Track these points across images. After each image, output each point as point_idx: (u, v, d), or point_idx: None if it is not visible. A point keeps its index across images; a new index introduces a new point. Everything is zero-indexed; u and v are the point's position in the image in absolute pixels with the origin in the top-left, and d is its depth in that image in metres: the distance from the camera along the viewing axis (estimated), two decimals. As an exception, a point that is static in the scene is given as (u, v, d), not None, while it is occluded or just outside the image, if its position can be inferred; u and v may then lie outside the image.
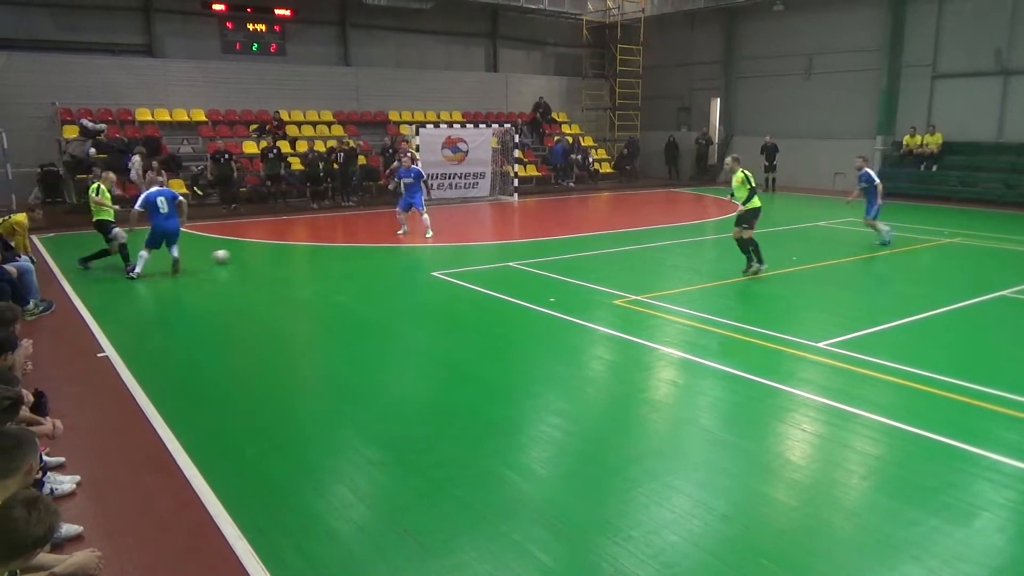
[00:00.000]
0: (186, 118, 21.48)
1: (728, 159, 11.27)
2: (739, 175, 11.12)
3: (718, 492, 4.82)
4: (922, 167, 22.02)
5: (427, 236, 14.61)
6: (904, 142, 22.64)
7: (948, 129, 21.86)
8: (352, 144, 21.06)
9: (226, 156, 19.39)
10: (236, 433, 5.76)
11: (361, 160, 21.32)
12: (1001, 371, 7.09)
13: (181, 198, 11.52)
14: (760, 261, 11.18)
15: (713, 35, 27.93)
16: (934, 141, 21.95)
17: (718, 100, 28.41)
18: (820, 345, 7.77)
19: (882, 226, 13.86)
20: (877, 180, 13.92)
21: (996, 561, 4.10)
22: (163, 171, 16.49)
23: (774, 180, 24.09)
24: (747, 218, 11.15)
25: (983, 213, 18.74)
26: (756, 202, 11.14)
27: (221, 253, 12.07)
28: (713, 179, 27.62)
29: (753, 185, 11.14)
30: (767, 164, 24.13)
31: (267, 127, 21.68)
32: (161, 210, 11.14)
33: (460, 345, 8.22)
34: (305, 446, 5.52)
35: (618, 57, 28.57)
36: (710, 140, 28.20)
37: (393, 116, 24.76)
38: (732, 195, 11.38)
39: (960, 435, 5.59)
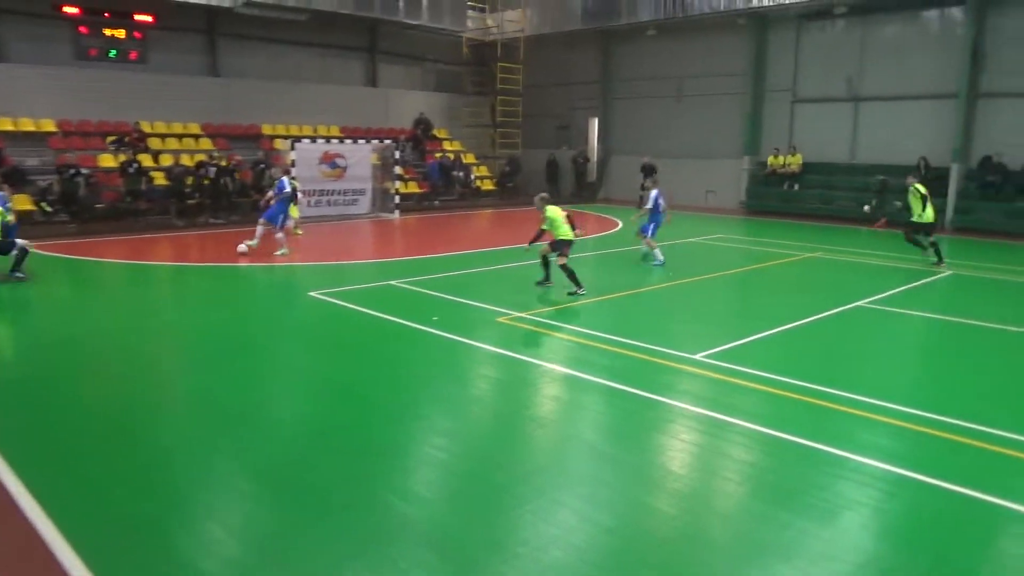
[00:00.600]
0: (34, 128, 19.98)
1: (536, 199, 11.72)
2: (548, 212, 11.45)
3: (602, 505, 4.93)
4: (785, 186, 23.64)
5: (277, 254, 14.16)
6: (768, 162, 24.25)
7: (807, 150, 23.63)
8: (223, 161, 20.22)
9: (72, 171, 18.12)
10: (93, 471, 5.35)
11: (238, 175, 20.58)
12: (861, 377, 7.67)
13: None
14: (578, 284, 11.24)
15: (591, 56, 28.92)
16: (795, 161, 23.66)
17: (596, 120, 29.39)
18: (696, 357, 8.12)
19: (657, 251, 14.19)
20: (658, 200, 14.52)
21: (860, 558, 4.40)
22: (5, 185, 15.24)
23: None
24: (559, 247, 11.45)
25: (839, 229, 20.29)
26: (568, 234, 11.44)
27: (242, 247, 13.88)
28: (592, 196, 28.49)
29: (562, 227, 11.40)
30: (645, 180, 25.04)
31: (126, 139, 20.50)
32: None
33: (341, 365, 8.04)
34: (173, 480, 5.20)
35: (498, 75, 29.04)
36: (587, 158, 29.10)
37: (267, 129, 24.03)
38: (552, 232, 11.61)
39: (825, 439, 5.99)
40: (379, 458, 5.60)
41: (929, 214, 14.19)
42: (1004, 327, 9.70)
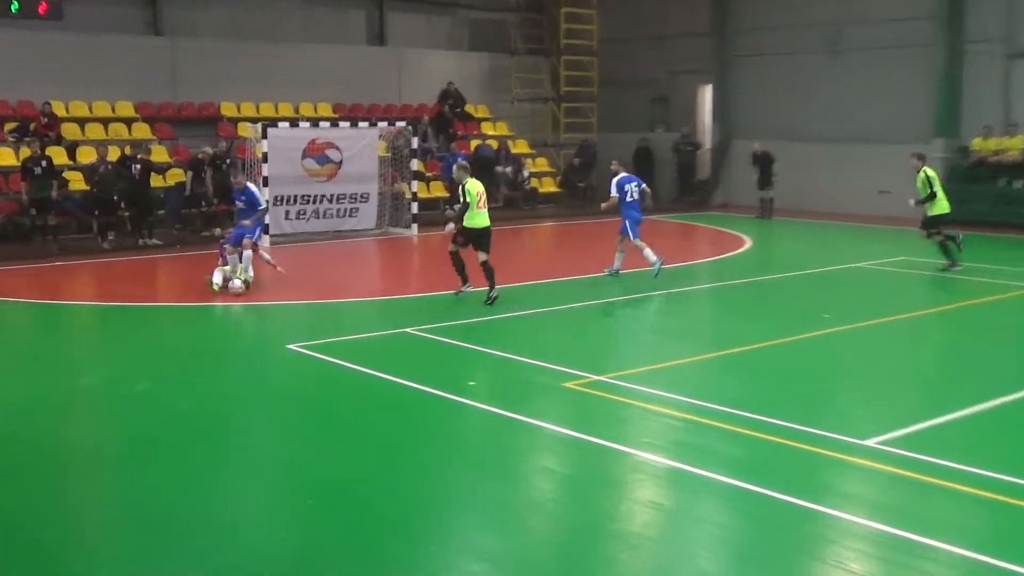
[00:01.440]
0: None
1: (455, 167, 14.41)
2: (468, 186, 13.63)
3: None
4: (1000, 182, 23.09)
5: (239, 279, 14.13)
6: (974, 147, 23.81)
7: (1035, 129, 23.08)
8: (142, 155, 20.65)
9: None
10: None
11: (174, 176, 21.05)
12: None
13: None
14: (464, 279, 13.99)
15: (699, -5, 29.01)
16: (1015, 146, 23.14)
17: (709, 89, 29.28)
18: (868, 443, 7.89)
19: (649, 251, 15.56)
20: (630, 187, 15.77)
21: None
22: None
23: (771, 201, 24.86)
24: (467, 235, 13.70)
25: None
26: (482, 221, 13.79)
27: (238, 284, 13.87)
28: (704, 201, 28.28)
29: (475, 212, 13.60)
30: (761, 178, 25.07)
31: (32, 127, 21.18)
32: None
33: (335, 454, 8.00)
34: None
35: (563, 25, 29.26)
36: (697, 145, 28.94)
37: (228, 110, 24.62)
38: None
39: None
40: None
41: None
42: None
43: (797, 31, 27.03)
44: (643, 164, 28.85)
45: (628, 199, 15.79)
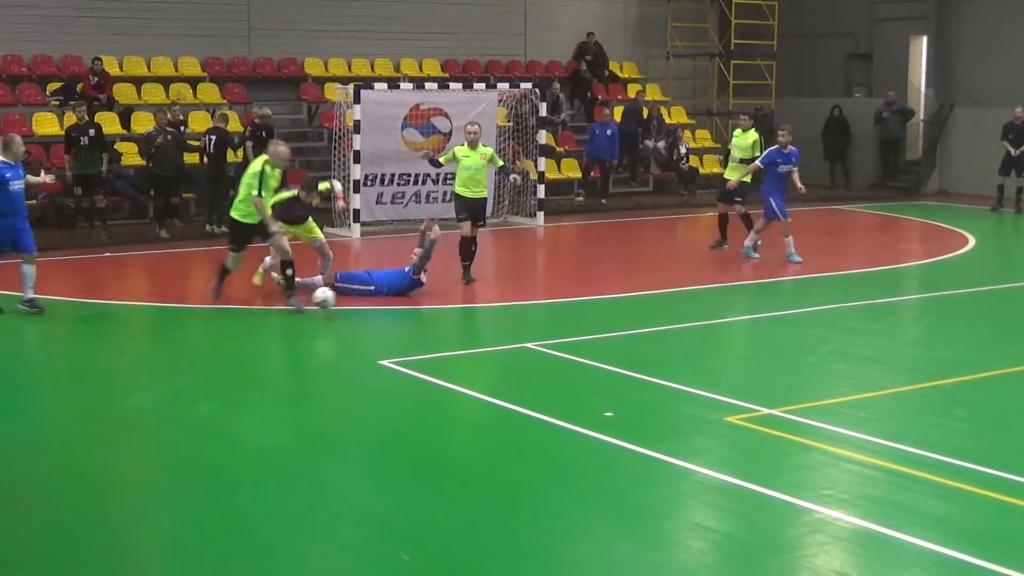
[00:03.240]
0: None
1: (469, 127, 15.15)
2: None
3: None
4: None
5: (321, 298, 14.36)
6: None
7: None
8: (218, 124, 21.12)
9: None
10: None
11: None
12: None
13: None
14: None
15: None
16: None
17: (924, 41, 28.70)
18: None
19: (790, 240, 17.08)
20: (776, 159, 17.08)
21: None
22: None
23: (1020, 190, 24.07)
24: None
25: None
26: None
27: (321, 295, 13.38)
28: (915, 188, 27.69)
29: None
30: (1010, 157, 24.25)
31: (79, 88, 21.78)
32: None
33: (439, 504, 8.03)
34: None
35: (734, -38, 29.09)
36: (908, 114, 28.34)
37: (313, 68, 25.05)
38: None
39: None
40: None
41: None
42: None
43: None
44: (836, 138, 28.51)
45: (774, 178, 16.99)
